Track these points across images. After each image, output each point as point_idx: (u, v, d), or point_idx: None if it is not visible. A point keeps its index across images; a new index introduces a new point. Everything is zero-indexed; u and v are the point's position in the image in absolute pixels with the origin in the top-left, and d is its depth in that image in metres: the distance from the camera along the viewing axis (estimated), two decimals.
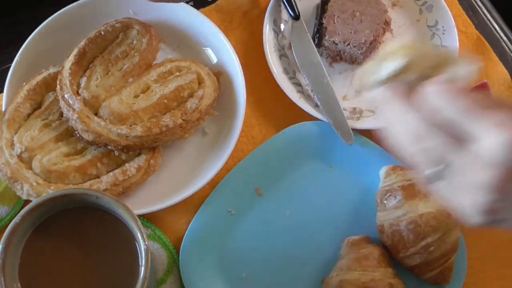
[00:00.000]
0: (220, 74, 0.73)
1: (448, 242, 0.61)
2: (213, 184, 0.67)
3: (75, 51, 0.69)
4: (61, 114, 0.67)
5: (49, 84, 0.70)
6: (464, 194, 0.42)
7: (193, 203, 0.68)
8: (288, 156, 0.70)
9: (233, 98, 0.71)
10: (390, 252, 0.63)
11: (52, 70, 0.70)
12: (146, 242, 0.51)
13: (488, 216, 0.44)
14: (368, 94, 0.46)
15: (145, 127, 0.64)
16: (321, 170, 0.70)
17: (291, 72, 0.75)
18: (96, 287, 0.52)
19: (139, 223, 0.51)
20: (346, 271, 0.61)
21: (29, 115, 0.68)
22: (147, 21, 0.73)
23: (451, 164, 0.41)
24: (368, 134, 0.70)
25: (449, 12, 0.76)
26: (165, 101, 0.67)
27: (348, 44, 0.74)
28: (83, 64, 0.68)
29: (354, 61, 0.76)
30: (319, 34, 0.76)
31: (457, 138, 0.41)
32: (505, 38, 0.80)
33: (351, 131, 0.69)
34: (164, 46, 0.75)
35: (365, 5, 0.76)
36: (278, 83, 0.72)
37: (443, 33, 0.76)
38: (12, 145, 0.66)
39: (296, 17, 0.76)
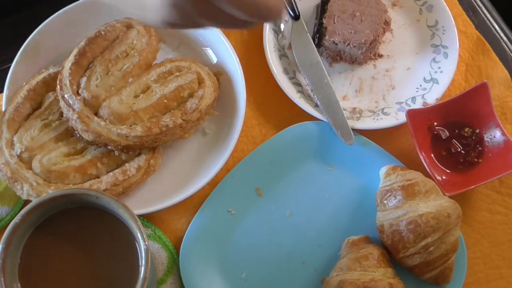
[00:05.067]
0: (220, 74, 0.73)
1: (448, 242, 0.61)
2: (213, 184, 0.67)
3: (75, 51, 0.69)
4: (61, 114, 0.67)
5: (49, 84, 0.70)
6: None
7: (193, 203, 0.68)
8: (288, 156, 0.70)
9: (233, 98, 0.71)
10: (390, 252, 0.63)
11: (52, 70, 0.70)
12: (146, 242, 0.51)
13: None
14: None
15: (145, 127, 0.64)
16: (321, 170, 0.70)
17: (291, 72, 0.75)
18: (96, 287, 0.52)
19: (139, 223, 0.51)
20: (346, 271, 0.61)
21: (29, 115, 0.68)
22: None
23: None
24: (368, 134, 0.70)
25: (449, 12, 0.76)
26: (165, 101, 0.66)
27: (348, 44, 0.74)
28: (83, 64, 0.68)
29: (354, 61, 0.76)
30: (319, 34, 0.76)
31: None
32: (505, 38, 0.80)
33: (351, 131, 0.69)
34: (164, 46, 0.75)
35: (365, 5, 0.76)
36: (278, 83, 0.72)
37: (443, 33, 0.76)
38: (12, 145, 0.66)
39: (296, 17, 0.76)
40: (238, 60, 0.71)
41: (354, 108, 0.73)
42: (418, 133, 0.68)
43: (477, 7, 0.82)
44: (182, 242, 0.65)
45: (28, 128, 0.67)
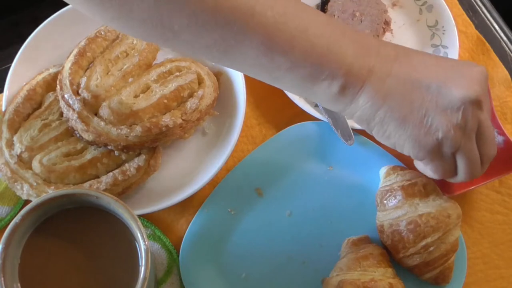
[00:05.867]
0: (220, 74, 0.73)
1: (448, 242, 0.61)
2: (213, 184, 0.67)
3: (75, 51, 0.69)
4: (61, 114, 0.67)
5: (49, 84, 0.70)
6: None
7: (193, 203, 0.68)
8: (288, 156, 0.70)
9: (233, 98, 0.71)
10: (390, 252, 0.63)
11: (52, 70, 0.70)
12: (146, 242, 0.51)
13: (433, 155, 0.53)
14: None
15: (145, 127, 0.64)
16: (321, 170, 0.70)
17: None
18: (96, 287, 0.52)
19: (139, 223, 0.51)
20: (346, 271, 0.61)
21: (29, 115, 0.68)
22: None
23: None
24: (368, 134, 0.70)
25: (449, 12, 0.76)
26: (165, 101, 0.66)
27: None
28: (83, 64, 0.68)
29: None
30: None
31: None
32: (505, 38, 0.80)
33: (351, 131, 0.69)
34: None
35: (365, 5, 0.76)
36: None
37: (443, 33, 0.76)
38: (12, 145, 0.66)
39: None
40: None
41: None
42: None
43: (477, 7, 0.82)
44: (182, 242, 0.65)
45: (28, 128, 0.67)
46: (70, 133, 0.67)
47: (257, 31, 0.47)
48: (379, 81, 0.51)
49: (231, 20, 0.46)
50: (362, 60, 0.50)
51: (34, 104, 0.69)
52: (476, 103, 0.51)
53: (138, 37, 0.52)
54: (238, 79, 0.71)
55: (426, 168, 0.58)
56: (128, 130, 0.64)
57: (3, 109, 0.69)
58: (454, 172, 0.55)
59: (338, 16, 0.75)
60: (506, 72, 0.77)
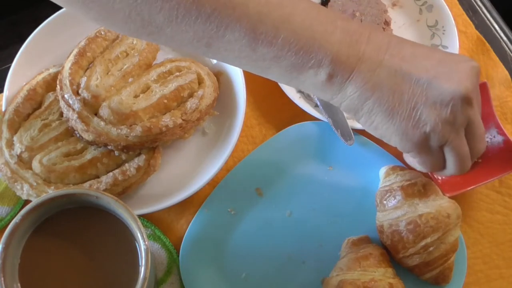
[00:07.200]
0: (220, 74, 0.73)
1: (448, 242, 0.61)
2: (213, 184, 0.67)
3: (75, 51, 0.69)
4: (61, 114, 0.67)
5: (49, 84, 0.70)
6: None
7: (193, 203, 0.68)
8: (288, 156, 0.70)
9: (233, 98, 0.71)
10: (390, 252, 0.63)
11: (52, 70, 0.70)
12: (146, 242, 0.51)
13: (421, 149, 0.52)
14: None
15: (145, 127, 0.64)
16: (321, 170, 0.70)
17: None
18: (96, 287, 0.52)
19: (139, 223, 0.51)
20: (346, 271, 0.61)
21: (29, 115, 0.68)
22: None
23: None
24: (368, 134, 0.70)
25: (449, 12, 0.76)
26: (165, 101, 0.67)
27: None
28: (83, 64, 0.68)
29: None
30: None
31: None
32: (505, 38, 0.80)
33: (351, 131, 0.69)
34: (164, 46, 0.75)
35: (365, 5, 0.76)
36: (278, 83, 0.72)
37: (443, 33, 0.76)
38: (12, 145, 0.66)
39: None
40: None
41: None
42: None
43: (477, 7, 0.82)
44: (182, 242, 0.65)
45: (28, 128, 0.67)
46: (70, 133, 0.67)
47: (239, 23, 0.47)
48: (368, 71, 0.50)
49: (212, 13, 0.46)
50: (351, 48, 0.49)
51: (34, 104, 0.69)
52: (465, 99, 0.50)
53: (123, 33, 0.52)
54: (238, 79, 0.71)
55: (414, 161, 0.57)
56: (128, 130, 0.64)
57: (3, 109, 0.69)
58: (442, 166, 0.55)
59: None
60: (506, 72, 0.77)
